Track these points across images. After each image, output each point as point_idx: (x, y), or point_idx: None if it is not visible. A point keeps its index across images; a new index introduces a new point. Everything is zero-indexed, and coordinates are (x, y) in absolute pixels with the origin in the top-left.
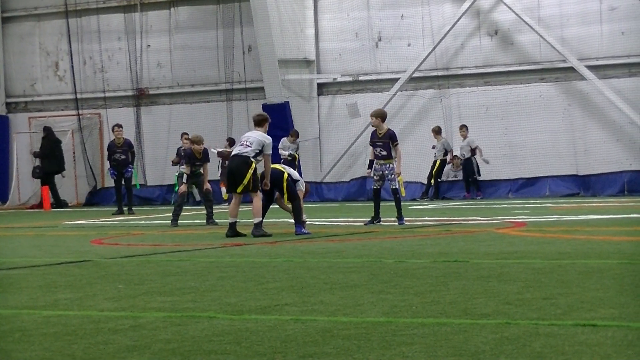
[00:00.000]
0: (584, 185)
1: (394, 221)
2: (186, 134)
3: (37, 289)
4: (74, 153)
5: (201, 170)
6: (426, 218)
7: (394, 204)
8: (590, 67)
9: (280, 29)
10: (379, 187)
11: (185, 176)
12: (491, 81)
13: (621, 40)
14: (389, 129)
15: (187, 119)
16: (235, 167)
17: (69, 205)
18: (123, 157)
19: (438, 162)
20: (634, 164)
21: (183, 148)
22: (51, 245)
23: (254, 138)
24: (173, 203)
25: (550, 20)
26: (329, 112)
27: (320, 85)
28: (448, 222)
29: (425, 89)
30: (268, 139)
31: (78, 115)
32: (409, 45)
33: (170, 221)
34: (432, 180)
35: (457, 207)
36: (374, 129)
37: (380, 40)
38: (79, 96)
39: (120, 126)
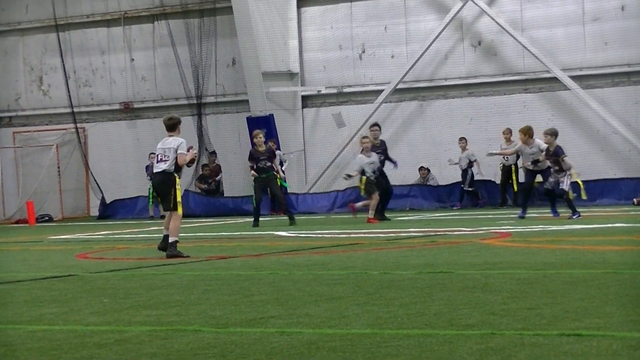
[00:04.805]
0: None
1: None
2: (153, 153)
3: (22, 303)
4: (58, 167)
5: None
6: (411, 229)
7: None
8: (573, 78)
9: (264, 41)
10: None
11: None
12: (475, 92)
13: (604, 51)
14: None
15: None
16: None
17: (54, 219)
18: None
19: (513, 168)
20: (618, 173)
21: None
22: (36, 260)
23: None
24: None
25: (534, 30)
26: (313, 124)
27: (304, 98)
28: (433, 234)
29: (409, 100)
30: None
31: (76, 128)
32: (392, 56)
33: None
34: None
35: (442, 218)
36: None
37: (364, 52)
38: (63, 110)
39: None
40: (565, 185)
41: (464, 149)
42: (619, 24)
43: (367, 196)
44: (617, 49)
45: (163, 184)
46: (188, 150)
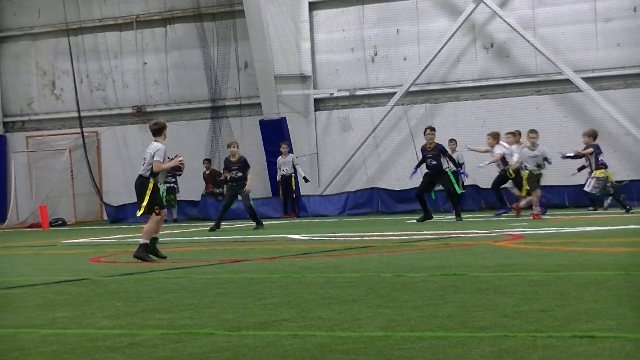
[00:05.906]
0: (582, 196)
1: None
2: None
3: (34, 307)
4: (71, 171)
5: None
6: (424, 232)
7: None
8: (586, 79)
9: (276, 44)
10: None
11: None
12: (487, 94)
13: (616, 52)
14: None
15: (184, 136)
16: None
17: (67, 224)
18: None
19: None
20: (631, 174)
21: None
22: (49, 264)
23: None
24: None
25: (546, 32)
26: (325, 127)
27: (316, 101)
28: (446, 236)
29: (421, 103)
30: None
31: (82, 132)
32: (404, 59)
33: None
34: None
35: (454, 220)
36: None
37: (376, 54)
38: (76, 114)
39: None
40: (588, 186)
41: (453, 150)
42: (631, 25)
43: (528, 191)
44: (629, 50)
45: (137, 187)
46: (174, 158)
